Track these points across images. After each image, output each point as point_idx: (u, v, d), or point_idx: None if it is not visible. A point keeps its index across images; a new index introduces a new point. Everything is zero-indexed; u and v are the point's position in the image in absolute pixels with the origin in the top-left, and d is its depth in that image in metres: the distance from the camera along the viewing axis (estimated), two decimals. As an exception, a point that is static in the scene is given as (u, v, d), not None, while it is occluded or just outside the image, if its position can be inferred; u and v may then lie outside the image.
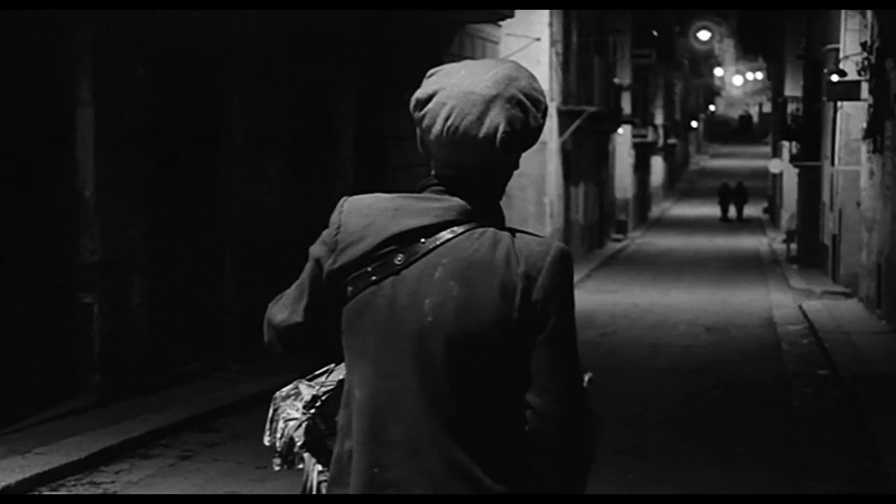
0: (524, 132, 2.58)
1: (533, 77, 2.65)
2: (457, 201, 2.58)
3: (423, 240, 2.56)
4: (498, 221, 2.62)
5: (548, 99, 19.31)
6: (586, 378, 2.64)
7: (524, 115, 2.57)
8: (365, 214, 2.61)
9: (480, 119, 2.54)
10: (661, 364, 14.68)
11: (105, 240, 10.84)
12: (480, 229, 2.57)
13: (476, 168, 2.59)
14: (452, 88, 2.57)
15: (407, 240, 2.56)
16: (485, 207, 2.60)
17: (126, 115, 11.17)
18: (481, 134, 2.54)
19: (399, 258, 2.56)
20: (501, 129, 2.54)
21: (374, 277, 2.57)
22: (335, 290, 2.63)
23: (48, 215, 10.49)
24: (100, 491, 8.35)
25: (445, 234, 2.56)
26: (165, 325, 11.88)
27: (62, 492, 8.31)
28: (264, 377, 11.96)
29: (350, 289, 2.59)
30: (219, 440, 9.98)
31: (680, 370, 14.20)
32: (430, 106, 2.58)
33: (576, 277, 25.78)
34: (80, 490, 8.36)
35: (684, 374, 13.90)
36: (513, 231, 2.59)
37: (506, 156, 2.59)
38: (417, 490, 2.51)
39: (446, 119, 2.55)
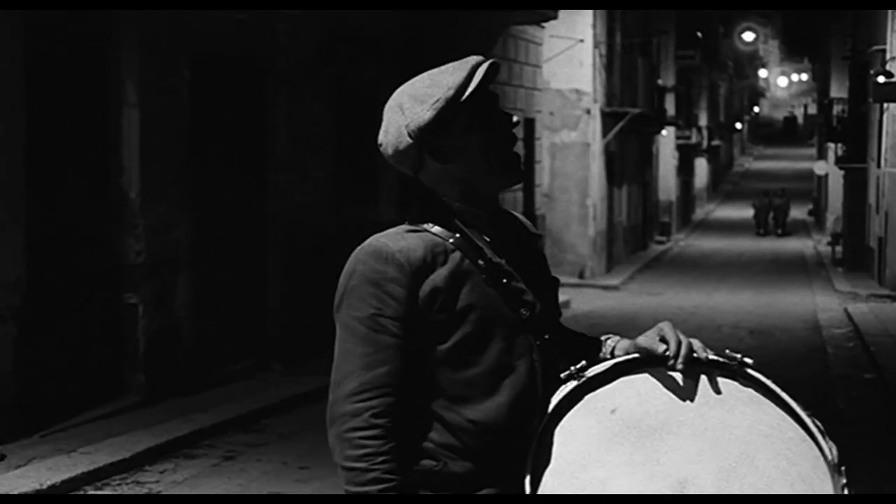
0: (396, 133, 2.71)
1: (444, 72, 2.74)
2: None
3: None
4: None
5: (591, 100, 19.10)
6: None
7: (398, 116, 2.71)
8: None
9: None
10: (704, 367, 14.56)
11: (150, 240, 10.91)
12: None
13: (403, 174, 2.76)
14: None
15: None
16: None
17: (171, 117, 11.24)
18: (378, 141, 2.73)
19: None
20: (379, 136, 2.73)
21: None
22: None
23: (93, 216, 10.57)
24: (144, 490, 8.40)
25: None
26: (209, 326, 11.94)
27: (107, 491, 8.37)
28: (308, 378, 12.00)
29: None
30: (262, 440, 10.01)
31: (724, 373, 14.09)
32: None
33: (619, 279, 25.93)
34: (124, 489, 8.42)
35: (728, 377, 13.79)
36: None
37: (394, 158, 2.69)
38: None
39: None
